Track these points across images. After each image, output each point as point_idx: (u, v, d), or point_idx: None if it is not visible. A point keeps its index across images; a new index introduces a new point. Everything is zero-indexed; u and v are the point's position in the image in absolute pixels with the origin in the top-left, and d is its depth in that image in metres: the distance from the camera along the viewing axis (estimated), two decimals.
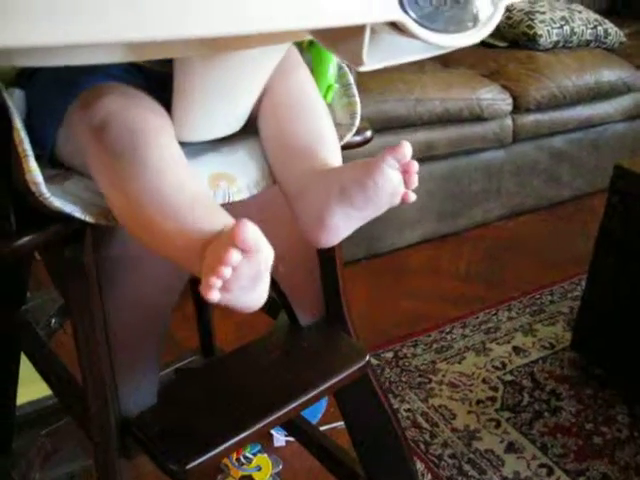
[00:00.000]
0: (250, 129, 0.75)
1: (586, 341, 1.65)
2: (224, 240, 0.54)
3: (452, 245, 2.16)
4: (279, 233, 0.68)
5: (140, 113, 0.63)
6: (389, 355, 1.65)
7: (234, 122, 0.72)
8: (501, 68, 2.24)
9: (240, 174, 0.71)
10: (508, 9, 2.46)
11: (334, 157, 0.71)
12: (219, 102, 0.67)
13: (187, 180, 0.62)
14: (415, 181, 0.63)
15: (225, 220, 0.60)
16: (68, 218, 0.65)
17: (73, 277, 0.69)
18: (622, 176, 1.47)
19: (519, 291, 1.94)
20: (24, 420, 1.24)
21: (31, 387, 1.25)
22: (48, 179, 0.65)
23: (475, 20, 0.45)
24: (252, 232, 0.53)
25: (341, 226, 0.66)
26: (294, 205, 0.70)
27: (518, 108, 2.16)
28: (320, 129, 0.72)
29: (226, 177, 0.69)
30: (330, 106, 0.82)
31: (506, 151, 2.21)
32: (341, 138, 0.79)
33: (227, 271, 0.53)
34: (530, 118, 2.21)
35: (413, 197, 0.64)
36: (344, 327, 0.96)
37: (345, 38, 0.44)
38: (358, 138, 0.85)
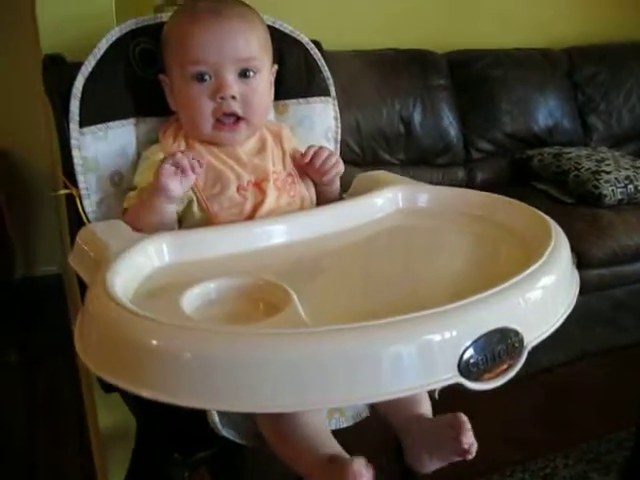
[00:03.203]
0: None
1: None
2: (345, 472, 0.82)
3: (517, 388, 2.35)
4: None
5: None
6: None
7: None
8: (568, 227, 2.48)
9: (348, 408, 1.01)
10: (576, 167, 2.73)
11: (425, 399, 1.01)
12: None
13: (317, 422, 0.93)
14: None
15: (335, 448, 0.90)
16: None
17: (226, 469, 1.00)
18: None
19: (578, 437, 2.12)
20: None
21: None
22: None
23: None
24: (364, 468, 0.82)
25: (435, 465, 0.97)
26: (399, 436, 0.99)
27: (580, 264, 2.40)
28: None
29: (339, 410, 1.00)
30: None
31: None
32: None
33: None
34: (592, 273, 2.43)
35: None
36: None
37: None
38: None
